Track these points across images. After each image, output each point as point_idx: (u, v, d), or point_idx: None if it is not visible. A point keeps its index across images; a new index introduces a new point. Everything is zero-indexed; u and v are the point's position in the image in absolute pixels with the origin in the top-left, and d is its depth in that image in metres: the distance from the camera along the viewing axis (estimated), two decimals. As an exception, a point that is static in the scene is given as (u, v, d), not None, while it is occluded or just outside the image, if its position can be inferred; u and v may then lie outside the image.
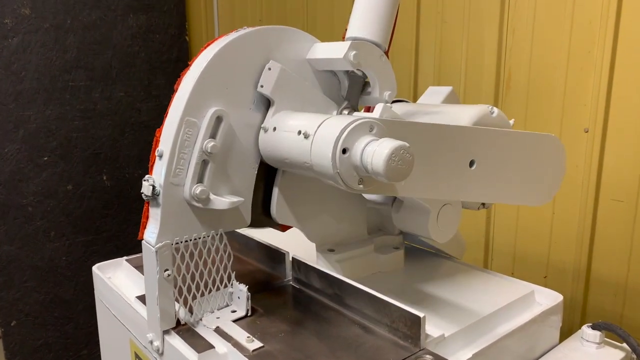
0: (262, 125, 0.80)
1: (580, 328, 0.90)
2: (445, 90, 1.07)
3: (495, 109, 0.92)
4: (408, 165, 0.65)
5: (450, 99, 1.06)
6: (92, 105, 2.20)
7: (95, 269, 1.02)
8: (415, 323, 0.70)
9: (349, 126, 0.66)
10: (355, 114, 0.85)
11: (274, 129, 0.78)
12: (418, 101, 1.09)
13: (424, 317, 0.69)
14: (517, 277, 1.29)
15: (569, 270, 1.35)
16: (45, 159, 2.12)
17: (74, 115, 2.16)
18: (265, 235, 0.99)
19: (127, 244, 2.34)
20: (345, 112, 0.85)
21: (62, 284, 2.22)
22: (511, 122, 0.97)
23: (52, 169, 2.14)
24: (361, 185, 0.68)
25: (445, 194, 0.81)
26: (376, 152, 0.64)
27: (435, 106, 0.97)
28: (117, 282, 0.98)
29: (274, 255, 0.95)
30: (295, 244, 0.97)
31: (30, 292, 2.15)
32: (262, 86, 0.79)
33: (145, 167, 2.37)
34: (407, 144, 0.65)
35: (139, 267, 0.99)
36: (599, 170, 1.26)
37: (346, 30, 0.89)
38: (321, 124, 0.70)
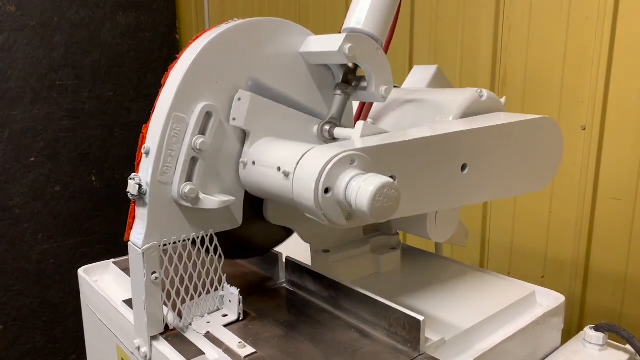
0: (240, 160, 0.77)
1: (578, 326, 0.87)
2: (431, 69, 1.02)
3: (485, 92, 0.87)
4: (394, 202, 0.61)
5: (437, 79, 1.01)
6: (80, 104, 2.16)
7: (81, 272, 0.98)
8: (415, 327, 0.67)
9: (328, 164, 0.62)
10: (337, 130, 0.81)
11: (253, 163, 0.75)
12: (404, 83, 1.05)
13: (424, 320, 0.66)
14: (514, 276, 1.26)
15: (566, 268, 1.33)
16: (33, 159, 2.08)
17: (62, 115, 2.12)
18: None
19: (117, 246, 2.29)
20: (327, 127, 0.81)
21: (50, 287, 2.17)
22: (502, 100, 0.93)
23: (39, 169, 2.09)
24: (349, 221, 0.65)
25: (440, 205, 0.77)
26: (360, 191, 0.60)
27: (422, 92, 0.92)
28: (103, 285, 0.95)
29: (267, 256, 0.92)
30: (288, 244, 0.94)
31: (18, 296, 2.11)
32: (234, 119, 0.75)
33: (135, 167, 2.32)
34: (392, 180, 0.61)
35: (127, 270, 0.95)
36: (596, 168, 1.24)
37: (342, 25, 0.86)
38: (299, 161, 0.66)
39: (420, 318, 0.66)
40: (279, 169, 0.69)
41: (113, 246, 2.30)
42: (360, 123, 0.72)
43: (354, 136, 0.73)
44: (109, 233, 2.29)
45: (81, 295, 1.00)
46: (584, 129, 1.25)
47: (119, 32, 2.22)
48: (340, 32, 0.84)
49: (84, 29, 2.13)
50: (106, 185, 2.27)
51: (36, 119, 2.06)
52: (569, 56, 1.25)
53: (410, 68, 1.60)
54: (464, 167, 0.77)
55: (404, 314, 0.68)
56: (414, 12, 1.55)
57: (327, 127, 0.81)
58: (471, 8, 1.42)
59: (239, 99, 0.74)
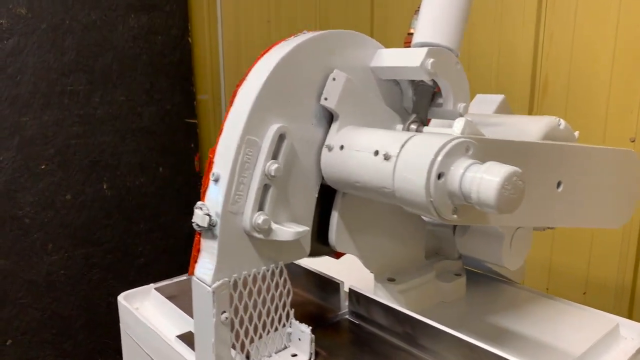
0: (325, 144, 0.71)
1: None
2: (497, 98, 0.99)
3: (562, 121, 0.85)
4: (520, 194, 0.56)
5: (502, 109, 0.98)
6: (91, 110, 2.08)
7: (120, 298, 0.92)
8: (515, 373, 0.61)
9: (445, 147, 0.57)
10: (425, 128, 0.75)
11: (341, 147, 0.68)
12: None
13: (527, 366, 0.60)
14: (553, 293, 1.20)
15: (611, 287, 1.28)
16: (43, 167, 2.00)
17: (73, 121, 2.04)
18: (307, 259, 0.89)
19: (128, 256, 2.22)
20: (413, 126, 0.76)
21: (60, 299, 2.09)
22: (576, 134, 0.90)
23: (49, 177, 2.01)
24: (455, 215, 0.59)
25: (533, 220, 0.72)
26: (484, 179, 0.54)
27: (496, 117, 0.89)
28: (147, 314, 0.88)
29: (326, 284, 0.85)
30: (350, 271, 0.88)
31: (27, 309, 2.03)
32: (325, 99, 0.70)
33: (147, 175, 2.25)
34: (519, 169, 0.56)
35: (172, 298, 0.89)
36: (646, 182, 1.19)
37: (409, 34, 0.80)
38: (405, 143, 0.61)
39: (524, 364, 0.60)
40: (376, 152, 0.63)
41: (124, 256, 2.22)
42: (461, 120, 0.66)
43: (454, 132, 0.68)
44: (121, 242, 2.21)
45: (121, 323, 0.93)
46: (633, 141, 1.20)
47: (131, 35, 2.15)
48: (406, 45, 0.78)
49: (96, 32, 2.06)
50: (118, 193, 2.19)
51: (46, 125, 1.98)
52: (617, 63, 1.20)
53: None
54: (559, 185, 0.74)
55: (502, 358, 0.62)
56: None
57: (413, 127, 0.76)
58: (509, 13, 1.36)
59: (334, 79, 0.70)
